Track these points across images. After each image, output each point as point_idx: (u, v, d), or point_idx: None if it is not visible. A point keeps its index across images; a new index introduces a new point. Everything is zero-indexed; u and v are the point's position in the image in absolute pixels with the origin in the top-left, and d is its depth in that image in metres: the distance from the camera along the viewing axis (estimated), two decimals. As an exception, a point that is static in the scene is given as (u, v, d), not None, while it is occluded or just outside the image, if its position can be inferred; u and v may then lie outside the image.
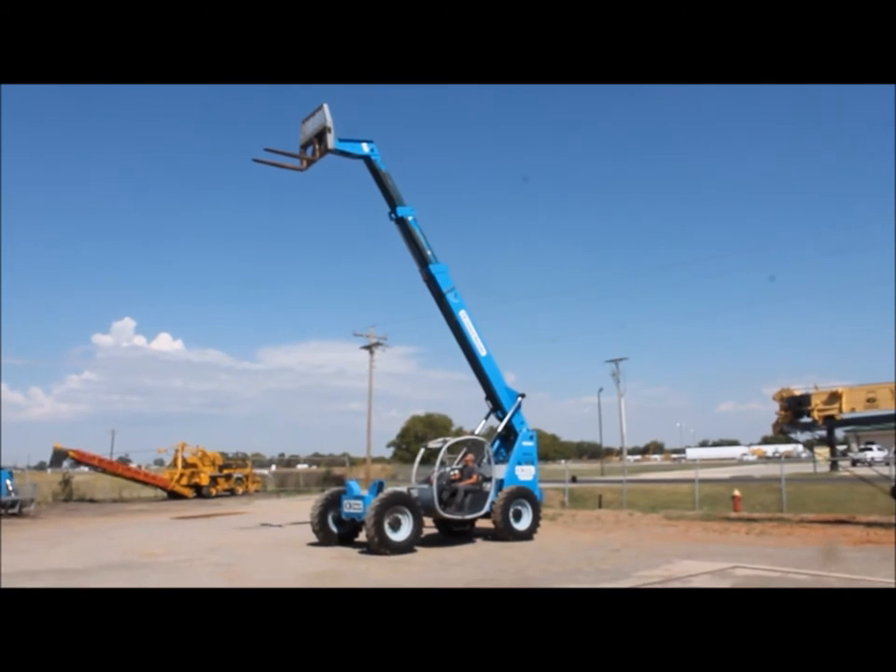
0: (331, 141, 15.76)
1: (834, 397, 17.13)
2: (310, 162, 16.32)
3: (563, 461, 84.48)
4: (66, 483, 38.63)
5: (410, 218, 17.02)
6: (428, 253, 17.06)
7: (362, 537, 14.52)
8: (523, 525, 16.14)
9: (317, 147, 16.08)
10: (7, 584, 10.03)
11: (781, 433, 19.09)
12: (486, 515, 15.97)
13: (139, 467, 46.43)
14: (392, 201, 16.93)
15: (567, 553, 13.73)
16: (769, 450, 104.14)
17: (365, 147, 16.52)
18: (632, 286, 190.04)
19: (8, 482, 27.08)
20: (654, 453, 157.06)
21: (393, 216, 17.00)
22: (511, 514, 15.94)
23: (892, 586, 9.04)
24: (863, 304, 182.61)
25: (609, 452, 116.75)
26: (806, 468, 41.43)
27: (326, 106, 15.81)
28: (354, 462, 68.46)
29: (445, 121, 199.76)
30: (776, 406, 18.48)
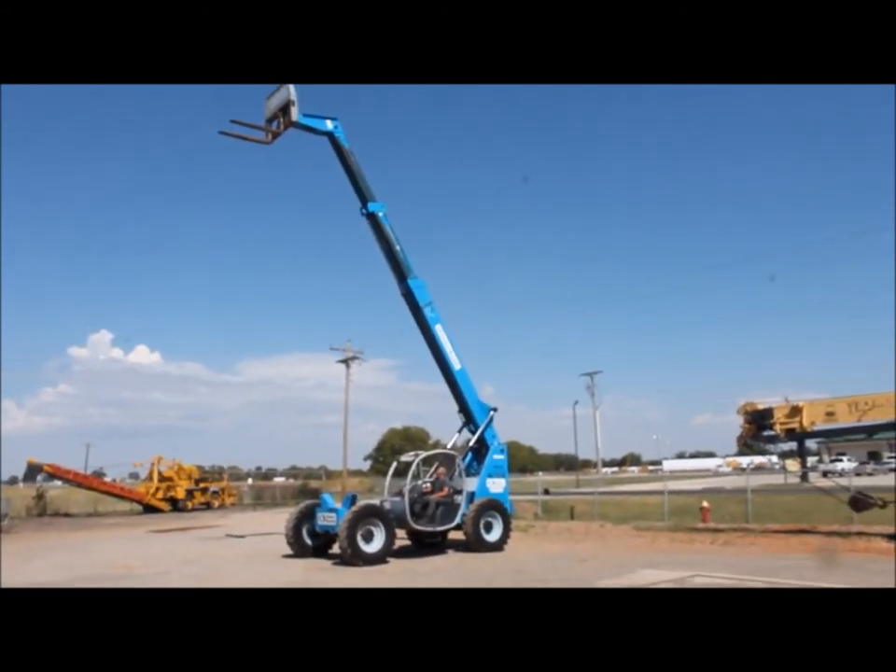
0: (295, 114, 15.90)
1: (796, 410, 17.66)
2: (275, 135, 16.48)
3: (539, 473, 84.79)
4: (40, 497, 38.39)
5: (380, 214, 17.19)
6: (398, 248, 17.29)
7: (336, 549, 14.77)
8: (493, 536, 16.48)
9: (282, 120, 16.24)
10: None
11: (745, 446, 19.64)
12: (458, 527, 16.29)
13: (114, 480, 46.25)
14: (362, 192, 17.07)
15: (536, 564, 14.10)
16: (744, 461, 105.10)
17: (329, 124, 16.67)
18: (611, 298, 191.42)
19: (-20, 497, 27.01)
20: (631, 465, 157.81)
21: (364, 210, 17.20)
22: (481, 526, 16.28)
23: (864, 587, 9.41)
24: (839, 316, 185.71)
25: (587, 464, 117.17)
26: (778, 479, 42.13)
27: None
28: (330, 475, 68.54)
29: (450, 130, 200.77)
30: (741, 420, 19.03)
